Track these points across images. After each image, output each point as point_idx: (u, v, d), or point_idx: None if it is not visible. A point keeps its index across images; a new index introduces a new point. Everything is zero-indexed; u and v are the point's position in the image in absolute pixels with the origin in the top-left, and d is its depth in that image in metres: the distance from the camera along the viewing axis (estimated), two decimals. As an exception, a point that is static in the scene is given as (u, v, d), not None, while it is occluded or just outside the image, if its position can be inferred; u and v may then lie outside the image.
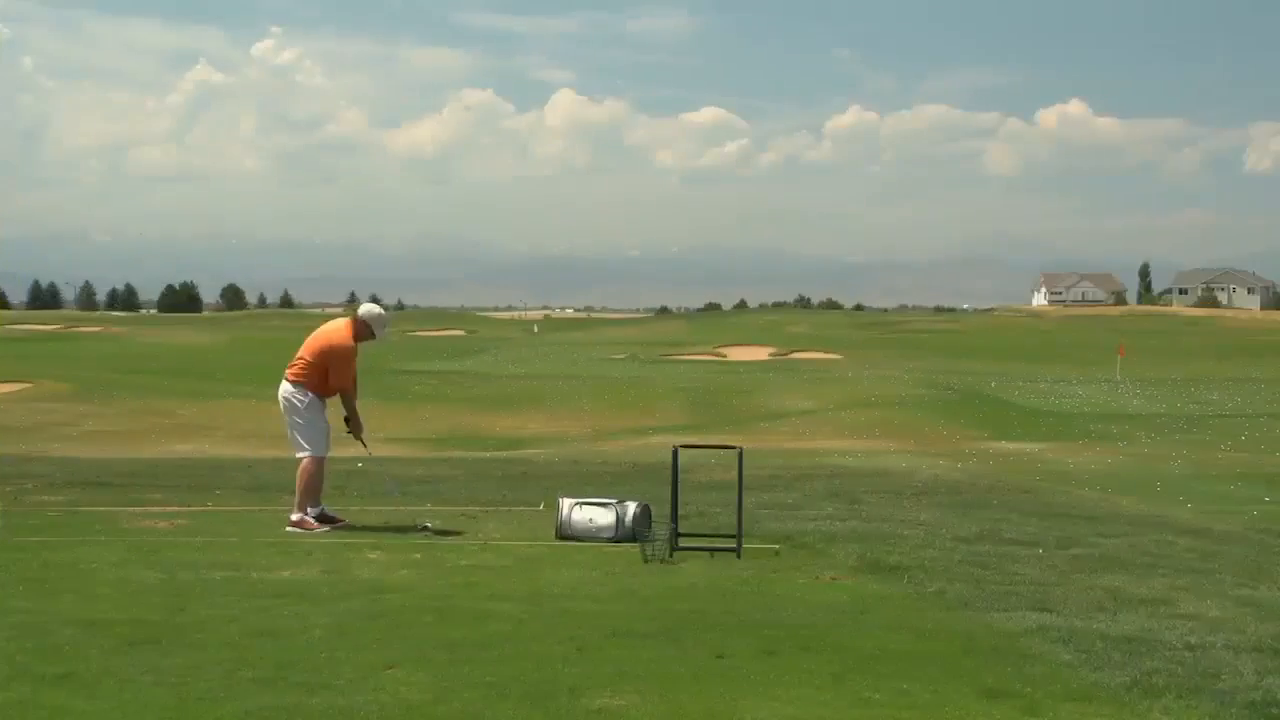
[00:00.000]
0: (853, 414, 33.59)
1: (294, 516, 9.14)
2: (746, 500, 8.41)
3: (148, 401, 35.95)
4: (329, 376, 9.32)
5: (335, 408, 9.54)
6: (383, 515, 9.86)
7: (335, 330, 9.54)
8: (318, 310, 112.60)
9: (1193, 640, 5.73)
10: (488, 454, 21.91)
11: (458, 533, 8.95)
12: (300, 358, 9.38)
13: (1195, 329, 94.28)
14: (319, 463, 9.25)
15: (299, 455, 9.30)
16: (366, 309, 9.68)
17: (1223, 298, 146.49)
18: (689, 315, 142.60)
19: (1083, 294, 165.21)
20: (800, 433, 30.00)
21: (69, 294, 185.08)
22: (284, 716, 4.36)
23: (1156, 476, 20.04)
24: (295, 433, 9.31)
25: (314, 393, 9.29)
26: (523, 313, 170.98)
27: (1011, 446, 27.19)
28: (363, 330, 9.47)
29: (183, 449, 24.03)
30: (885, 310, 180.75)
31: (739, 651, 5.37)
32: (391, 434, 29.22)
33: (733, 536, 8.11)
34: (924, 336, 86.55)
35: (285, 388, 9.34)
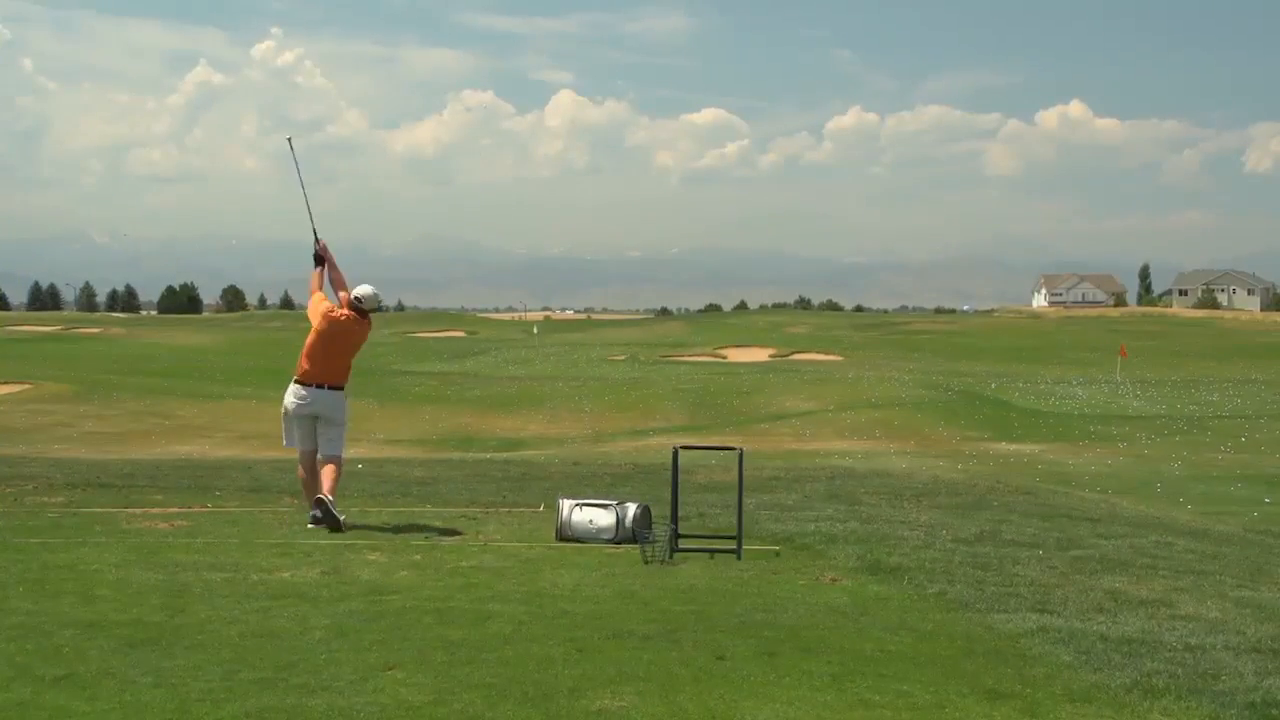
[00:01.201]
0: (853, 415, 33.60)
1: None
2: (746, 501, 8.40)
3: (148, 402, 35.98)
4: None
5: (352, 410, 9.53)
6: (383, 516, 9.87)
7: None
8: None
9: (1192, 641, 5.73)
10: (488, 455, 21.88)
11: (458, 534, 8.95)
12: None
13: (1195, 330, 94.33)
14: (300, 456, 9.46)
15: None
16: (357, 287, 9.84)
17: (1223, 299, 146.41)
18: (689, 316, 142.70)
19: (1083, 295, 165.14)
20: (800, 434, 30.01)
21: (69, 295, 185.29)
22: (284, 718, 4.36)
23: (1156, 478, 20.06)
24: None
25: (296, 381, 9.42)
26: (523, 314, 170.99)
27: (1012, 447, 27.21)
28: (350, 301, 9.56)
29: (183, 450, 24.04)
30: (885, 311, 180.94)
31: (739, 653, 5.37)
32: (391, 435, 29.29)
33: (733, 538, 8.10)
34: (924, 338, 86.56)
35: None
